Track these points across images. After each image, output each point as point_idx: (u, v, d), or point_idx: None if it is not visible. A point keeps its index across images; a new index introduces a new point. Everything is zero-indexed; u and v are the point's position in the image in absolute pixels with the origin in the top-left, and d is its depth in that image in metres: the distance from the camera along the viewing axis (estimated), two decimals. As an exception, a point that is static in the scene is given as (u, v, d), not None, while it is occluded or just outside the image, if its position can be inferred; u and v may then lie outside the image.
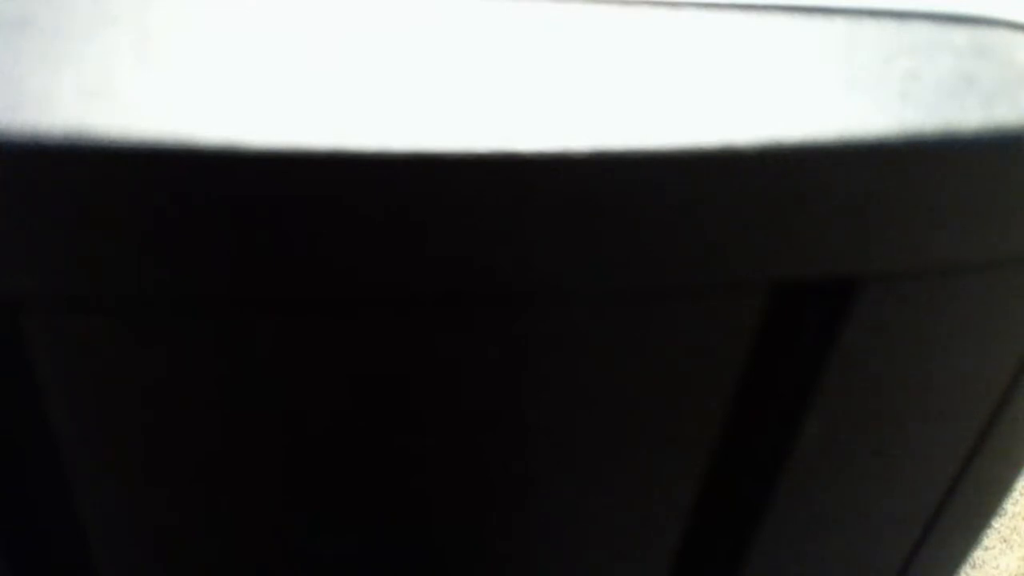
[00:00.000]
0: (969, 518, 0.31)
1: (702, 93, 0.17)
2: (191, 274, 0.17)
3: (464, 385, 0.20)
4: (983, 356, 0.24)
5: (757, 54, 0.18)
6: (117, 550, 0.23)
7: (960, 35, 0.20)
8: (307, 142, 0.15)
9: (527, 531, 0.25)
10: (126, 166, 0.15)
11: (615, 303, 0.19)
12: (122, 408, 0.19)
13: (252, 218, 0.16)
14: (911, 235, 0.19)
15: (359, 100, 0.16)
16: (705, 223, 0.18)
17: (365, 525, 0.24)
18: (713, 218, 0.18)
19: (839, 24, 0.19)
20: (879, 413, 0.24)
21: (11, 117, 0.15)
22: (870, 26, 0.19)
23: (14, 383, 0.19)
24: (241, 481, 0.22)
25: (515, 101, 0.17)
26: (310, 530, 0.23)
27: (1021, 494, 1.04)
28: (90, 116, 0.15)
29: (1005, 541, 1.01)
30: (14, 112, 0.15)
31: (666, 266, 0.18)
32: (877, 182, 0.18)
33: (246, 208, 0.16)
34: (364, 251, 0.17)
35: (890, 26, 0.19)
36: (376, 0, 0.18)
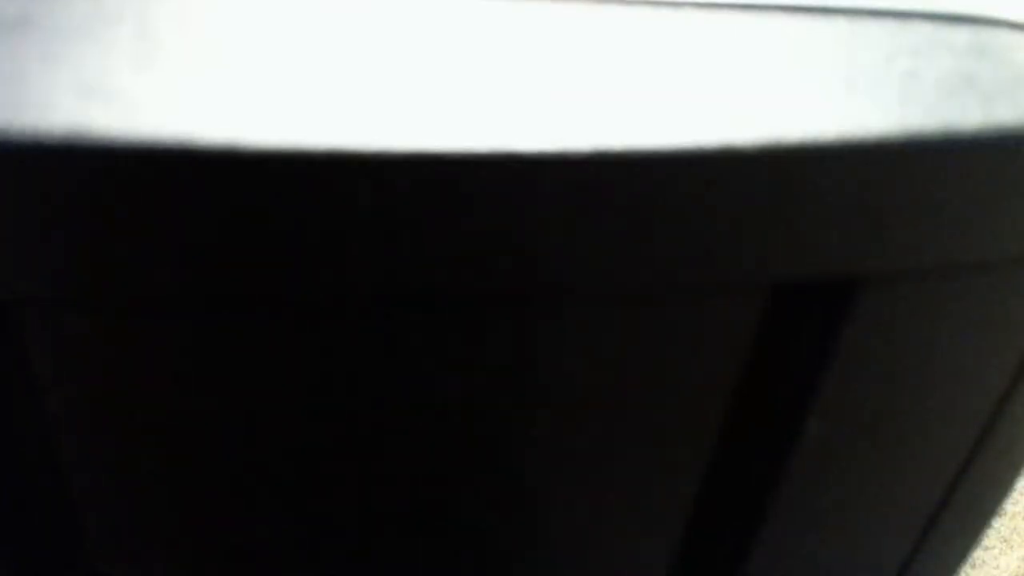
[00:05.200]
0: (969, 518, 0.31)
1: (702, 93, 0.17)
2: (192, 274, 0.17)
3: (463, 385, 0.20)
4: (983, 356, 0.24)
5: (757, 54, 0.18)
6: (115, 547, 0.23)
7: (960, 35, 0.20)
8: (308, 142, 0.15)
9: (526, 531, 0.25)
10: (126, 166, 0.15)
11: (615, 303, 0.19)
12: (122, 407, 0.20)
13: (253, 218, 0.16)
14: (911, 235, 0.19)
15: (360, 100, 0.16)
16: (705, 223, 0.18)
17: (365, 524, 0.24)
18: (713, 218, 0.18)
19: (839, 24, 0.19)
20: (879, 413, 0.24)
21: (11, 117, 0.15)
22: (870, 26, 0.19)
23: (14, 382, 0.19)
24: (241, 479, 0.22)
25: (515, 101, 0.17)
26: (310, 529, 0.23)
27: (1021, 494, 1.04)
28: (90, 116, 0.15)
29: (1005, 541, 1.01)
30: (14, 112, 0.15)
31: (666, 266, 0.18)
32: (877, 182, 0.18)
33: (246, 208, 0.16)
34: (364, 251, 0.17)
35: (890, 26, 0.19)
36: (377, 0, 0.18)
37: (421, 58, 0.17)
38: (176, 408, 0.20)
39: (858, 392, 0.23)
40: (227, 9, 0.17)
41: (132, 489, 0.21)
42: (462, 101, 0.16)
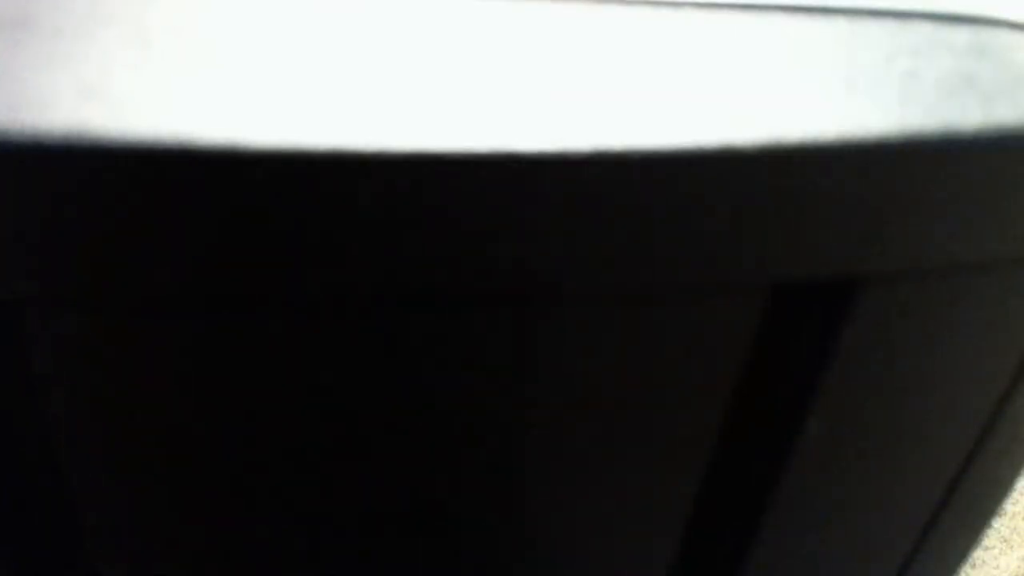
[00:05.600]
0: (969, 518, 0.31)
1: (702, 93, 0.17)
2: (191, 274, 0.17)
3: (463, 385, 0.20)
4: (984, 356, 0.24)
5: (757, 54, 0.18)
6: (115, 547, 0.23)
7: (960, 35, 0.20)
8: (307, 142, 0.15)
9: (526, 531, 0.25)
10: (125, 166, 0.15)
11: (614, 303, 0.19)
12: (122, 407, 0.20)
13: (252, 218, 0.16)
14: (911, 235, 0.19)
15: (359, 100, 0.16)
16: (705, 223, 0.18)
17: (366, 525, 0.24)
18: (713, 218, 0.18)
19: (839, 24, 0.19)
20: (880, 413, 0.24)
21: (11, 117, 0.15)
22: (870, 26, 0.19)
23: (14, 382, 0.19)
24: (241, 479, 0.22)
25: (515, 101, 0.17)
26: (310, 530, 0.23)
27: (1021, 494, 1.04)
28: (89, 116, 0.15)
29: (1005, 541, 1.01)
30: (14, 112, 0.15)
31: (666, 266, 0.18)
32: (877, 182, 0.18)
33: (245, 208, 0.16)
34: (363, 251, 0.17)
35: (890, 26, 0.19)
36: (377, 0, 0.18)
37: (420, 58, 0.17)
38: (176, 408, 0.20)
39: (858, 392, 0.23)
40: (226, 9, 0.17)
41: (132, 489, 0.21)
42: (461, 101, 0.16)
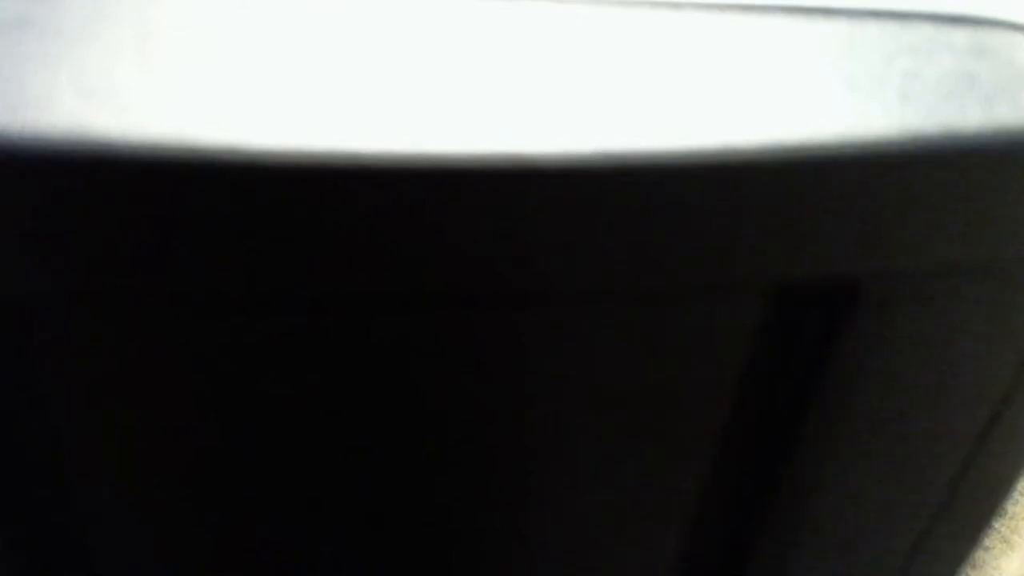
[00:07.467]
0: (970, 518, 0.31)
1: (703, 94, 0.17)
2: (191, 273, 0.17)
3: (465, 386, 0.20)
4: (984, 356, 0.24)
5: (757, 54, 0.18)
6: (116, 548, 0.23)
7: (960, 35, 0.20)
8: (308, 144, 0.15)
9: (529, 532, 0.25)
10: (125, 166, 0.15)
11: (617, 304, 0.19)
12: (124, 406, 0.20)
13: (253, 219, 0.16)
14: (912, 235, 0.19)
15: (362, 103, 0.16)
16: (707, 224, 0.18)
17: (366, 524, 0.24)
18: (715, 219, 0.18)
19: (839, 24, 0.19)
20: (881, 413, 0.24)
21: (11, 117, 0.15)
22: (870, 26, 0.19)
23: (15, 382, 0.19)
24: (240, 479, 0.22)
25: (517, 105, 0.17)
26: (310, 529, 0.23)
27: (1022, 494, 1.04)
28: (90, 116, 0.15)
29: (1006, 542, 1.01)
30: (14, 112, 0.15)
31: (668, 267, 0.18)
32: (877, 183, 0.18)
33: (247, 209, 0.16)
34: (365, 253, 0.17)
35: (890, 26, 0.19)
36: (379, 2, 0.18)
37: (421, 60, 0.17)
38: (175, 408, 0.20)
39: (859, 392, 0.23)
40: (226, 11, 0.17)
41: (132, 488, 0.21)
42: (463, 105, 0.16)
